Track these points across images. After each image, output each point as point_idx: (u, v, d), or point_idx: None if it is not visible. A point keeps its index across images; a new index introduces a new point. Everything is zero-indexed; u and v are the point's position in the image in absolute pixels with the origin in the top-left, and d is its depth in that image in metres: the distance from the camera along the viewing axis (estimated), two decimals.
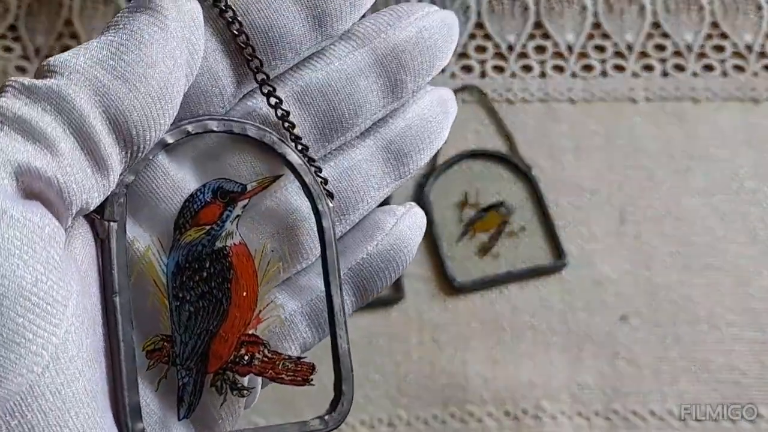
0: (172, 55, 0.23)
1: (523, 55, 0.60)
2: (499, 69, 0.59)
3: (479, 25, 0.60)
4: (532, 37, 0.60)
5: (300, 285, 0.29)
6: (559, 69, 0.59)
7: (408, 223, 0.29)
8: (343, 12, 0.28)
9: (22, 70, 0.58)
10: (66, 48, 0.58)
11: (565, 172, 0.56)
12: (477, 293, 0.53)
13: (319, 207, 0.28)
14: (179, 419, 0.26)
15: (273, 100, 0.27)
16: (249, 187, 0.27)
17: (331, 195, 0.28)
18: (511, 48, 0.60)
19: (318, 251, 0.28)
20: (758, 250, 0.54)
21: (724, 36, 0.60)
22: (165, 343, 0.26)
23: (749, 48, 0.59)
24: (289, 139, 0.28)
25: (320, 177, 0.28)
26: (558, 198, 0.55)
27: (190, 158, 0.27)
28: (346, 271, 0.29)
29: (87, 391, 0.22)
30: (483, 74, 0.59)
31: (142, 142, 0.23)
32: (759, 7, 0.60)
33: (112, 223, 0.25)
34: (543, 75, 0.59)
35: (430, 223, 0.54)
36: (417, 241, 0.30)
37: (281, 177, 0.27)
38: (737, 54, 0.59)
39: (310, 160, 0.28)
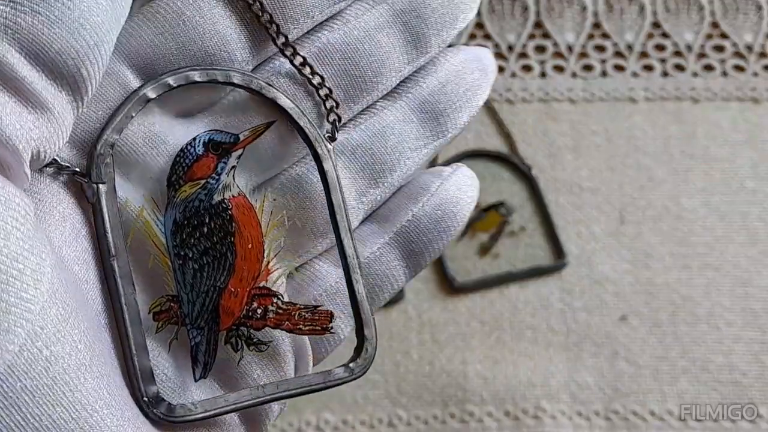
0: None
1: (523, 55, 0.60)
2: (499, 69, 0.59)
3: (479, 25, 0.60)
4: (532, 37, 0.60)
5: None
6: (559, 69, 0.59)
7: (456, 182, 0.29)
8: None
9: None
10: None
11: (565, 172, 0.56)
12: (477, 293, 0.53)
13: (318, 150, 0.27)
14: (195, 380, 0.25)
15: (298, 60, 0.27)
16: (241, 137, 0.26)
17: (332, 138, 0.27)
18: (511, 48, 0.60)
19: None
20: (758, 250, 0.54)
21: (724, 36, 0.60)
22: (172, 304, 0.25)
23: (749, 48, 0.59)
24: (319, 95, 0.27)
25: (332, 99, 0.27)
26: (558, 198, 0.55)
27: (178, 112, 0.26)
28: (392, 234, 0.28)
29: (83, 364, 0.22)
30: None
31: (79, 75, 0.22)
32: (759, 7, 0.60)
33: (100, 185, 0.24)
34: (543, 75, 0.59)
35: None
36: (467, 201, 0.29)
37: (274, 122, 0.27)
38: (737, 54, 0.59)
39: (336, 105, 0.27)
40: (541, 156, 0.56)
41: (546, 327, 0.52)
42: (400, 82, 0.29)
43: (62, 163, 0.24)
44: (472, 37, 0.60)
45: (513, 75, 0.59)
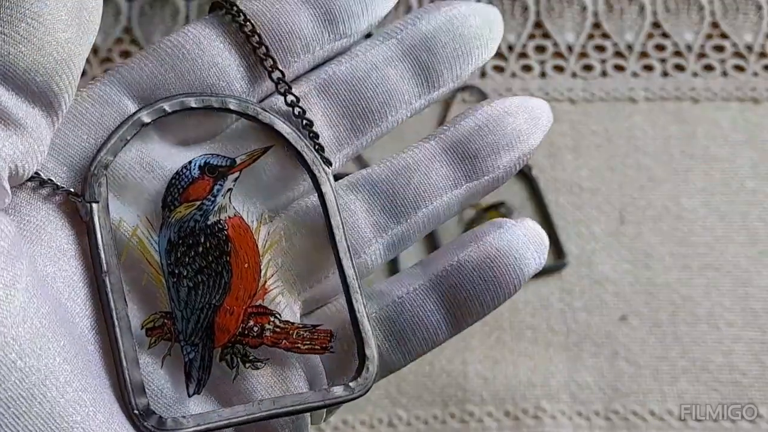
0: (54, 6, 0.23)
1: (523, 55, 0.60)
2: (499, 69, 0.59)
3: None
4: (532, 37, 0.60)
5: (370, 291, 0.27)
6: (559, 69, 0.59)
7: (515, 234, 0.27)
8: (354, 10, 0.28)
9: None
10: None
11: (565, 172, 0.56)
12: None
13: (316, 173, 0.27)
14: (189, 395, 0.25)
15: (290, 98, 0.27)
16: (238, 160, 0.27)
17: (328, 162, 0.27)
18: (511, 48, 0.60)
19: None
20: (758, 250, 0.54)
21: (724, 36, 0.60)
22: (165, 320, 0.25)
23: (749, 48, 0.60)
24: (308, 138, 0.27)
25: (316, 143, 0.27)
26: (558, 198, 0.55)
27: (177, 142, 0.27)
28: (431, 277, 0.27)
29: (62, 378, 0.22)
30: (483, 74, 0.59)
31: (50, 91, 0.23)
32: (759, 7, 0.60)
33: (93, 204, 0.25)
34: (543, 75, 0.59)
35: None
36: (529, 259, 0.27)
37: (271, 147, 0.27)
38: (737, 54, 0.59)
39: (320, 149, 0.27)
40: (541, 156, 0.56)
41: (546, 327, 0.52)
42: (441, 129, 0.28)
43: (57, 183, 0.25)
44: None
45: (513, 75, 0.59)
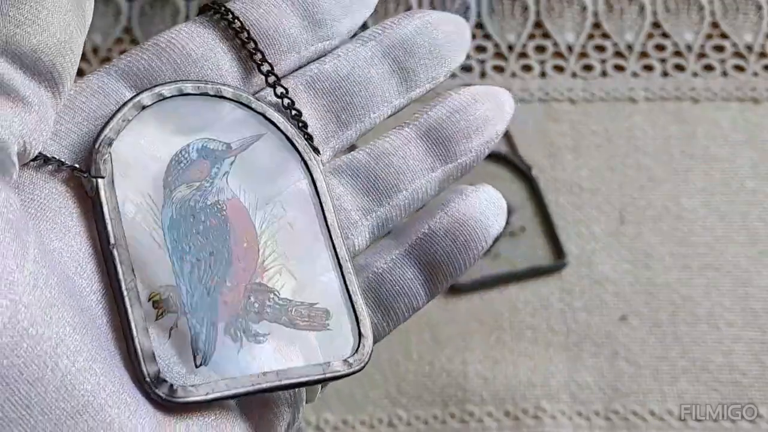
0: None
1: (523, 54, 0.60)
2: (499, 69, 0.59)
3: (479, 25, 0.60)
4: (532, 37, 0.60)
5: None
6: (559, 69, 0.59)
7: (477, 198, 0.29)
8: (335, 13, 0.30)
9: None
10: None
11: (565, 172, 0.56)
12: (477, 293, 0.53)
13: (306, 159, 0.28)
14: (196, 365, 0.25)
15: (279, 90, 0.28)
16: (233, 146, 0.28)
17: (317, 150, 0.29)
18: (511, 48, 0.60)
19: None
20: (758, 250, 0.54)
21: (724, 36, 0.60)
22: (171, 294, 0.26)
23: (749, 48, 0.60)
24: (298, 127, 0.29)
25: (306, 132, 0.28)
26: (558, 198, 0.55)
27: (172, 120, 0.28)
28: (407, 246, 0.29)
29: (73, 346, 0.22)
30: (483, 74, 0.59)
31: (54, 70, 0.24)
32: (759, 7, 0.60)
33: (99, 180, 0.26)
34: (543, 75, 0.59)
35: None
36: (492, 220, 0.29)
37: (264, 135, 0.28)
38: (737, 54, 0.59)
39: (309, 138, 0.28)
40: (541, 156, 0.56)
41: (546, 327, 0.52)
42: (412, 114, 0.30)
43: (61, 160, 0.26)
44: (473, 37, 0.60)
45: (513, 75, 0.59)
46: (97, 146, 0.26)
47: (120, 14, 0.58)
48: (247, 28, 0.28)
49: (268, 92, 0.29)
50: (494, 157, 0.56)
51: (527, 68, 0.59)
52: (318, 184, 0.28)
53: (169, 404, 0.24)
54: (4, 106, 0.23)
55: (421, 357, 0.51)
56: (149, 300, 0.25)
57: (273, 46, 0.29)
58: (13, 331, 0.21)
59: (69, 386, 0.22)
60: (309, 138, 0.29)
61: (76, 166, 0.26)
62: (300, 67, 0.30)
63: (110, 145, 0.26)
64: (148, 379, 0.24)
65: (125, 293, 0.25)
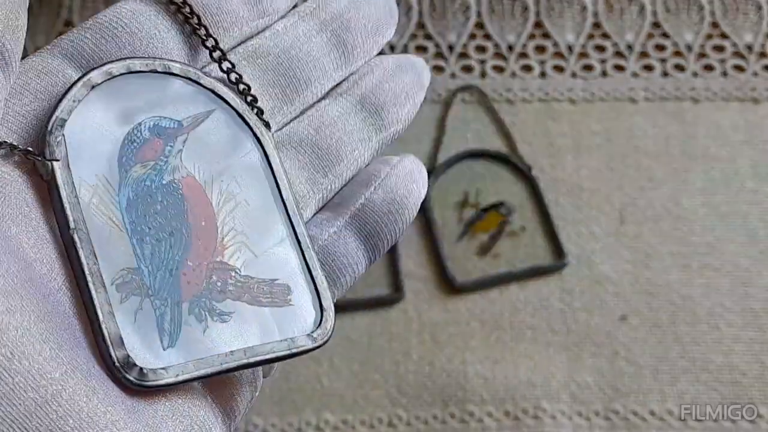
0: None
1: (523, 55, 0.60)
2: (499, 69, 0.59)
3: (479, 25, 0.60)
4: (532, 37, 0.60)
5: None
6: (559, 69, 0.59)
7: (403, 169, 0.30)
8: None
9: None
10: None
11: (565, 172, 0.56)
12: (477, 293, 0.53)
13: (258, 134, 0.28)
14: (164, 348, 0.25)
15: (225, 65, 0.28)
16: (185, 123, 0.27)
17: (267, 125, 0.29)
18: (511, 48, 0.60)
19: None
20: (758, 250, 0.54)
21: (724, 36, 0.60)
22: (133, 276, 0.25)
23: (749, 48, 0.60)
24: (245, 101, 0.28)
25: (256, 107, 0.28)
26: (558, 198, 0.55)
27: (122, 99, 0.27)
28: (347, 218, 0.29)
29: (38, 335, 0.22)
30: (483, 74, 0.59)
31: (3, 48, 0.23)
32: (759, 7, 0.60)
33: (54, 162, 0.25)
34: (543, 75, 0.59)
35: (430, 222, 0.54)
36: (418, 187, 0.30)
37: (213, 111, 0.28)
38: (737, 54, 0.59)
39: (260, 112, 0.28)
40: (541, 156, 0.56)
41: (546, 327, 0.52)
42: (338, 84, 0.31)
43: (13, 143, 0.25)
44: (473, 37, 0.60)
45: (513, 75, 0.59)
46: (49, 128, 0.25)
47: (62, 7, 0.58)
48: (189, 3, 0.28)
49: (214, 68, 0.29)
50: (494, 157, 0.56)
51: (527, 68, 0.59)
52: (271, 159, 0.28)
53: (139, 388, 0.24)
54: None
55: (421, 357, 0.51)
56: (112, 284, 0.25)
57: (216, 22, 0.29)
58: None
59: (37, 376, 0.21)
60: (260, 112, 0.29)
61: (30, 149, 0.25)
62: (241, 43, 0.30)
63: (63, 126, 0.25)
64: (117, 364, 0.24)
65: (89, 278, 0.24)
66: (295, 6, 0.31)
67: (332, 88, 0.31)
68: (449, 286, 0.53)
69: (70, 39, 0.27)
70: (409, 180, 0.30)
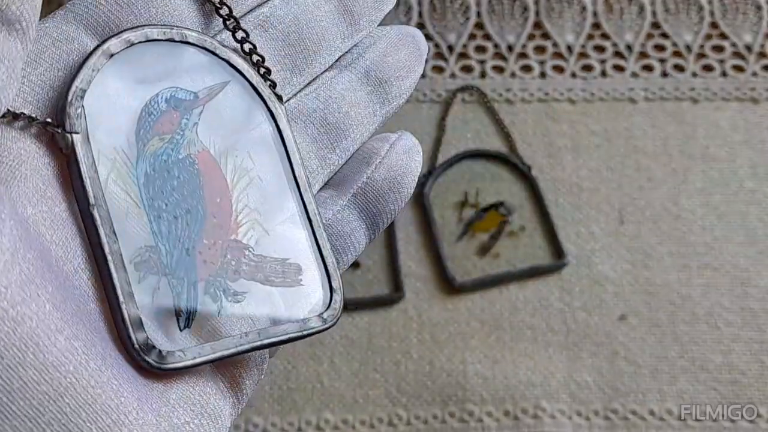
0: None
1: (522, 55, 0.60)
2: (498, 69, 0.59)
3: (479, 25, 0.60)
4: (531, 37, 0.60)
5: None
6: (558, 69, 0.59)
7: (403, 146, 0.30)
8: None
9: None
10: None
11: (565, 172, 0.56)
12: (477, 293, 0.53)
13: (272, 108, 0.28)
14: (180, 330, 0.25)
15: (240, 35, 0.28)
16: (200, 95, 0.27)
17: (280, 98, 0.28)
18: (510, 48, 0.60)
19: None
20: (757, 250, 0.54)
21: (723, 36, 0.60)
22: (151, 254, 0.25)
23: (749, 48, 0.60)
24: (259, 73, 0.28)
25: (269, 80, 0.28)
26: (557, 198, 0.55)
27: (140, 68, 0.27)
28: (350, 196, 0.29)
29: (53, 324, 0.21)
30: (483, 74, 0.59)
31: (21, 16, 0.22)
32: (758, 7, 0.61)
33: (74, 135, 0.24)
34: (543, 75, 0.59)
35: (430, 222, 0.54)
36: (415, 164, 0.30)
37: (228, 83, 0.27)
38: (737, 54, 0.59)
39: (272, 85, 0.28)
40: (540, 156, 0.57)
41: (545, 327, 0.52)
42: (342, 55, 0.31)
43: (32, 115, 0.24)
44: (472, 37, 0.60)
45: (513, 75, 0.59)
46: (70, 99, 0.24)
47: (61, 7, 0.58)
48: None
49: (227, 36, 0.28)
50: (494, 157, 0.57)
51: (527, 68, 0.59)
52: (284, 134, 0.28)
53: (157, 371, 0.24)
54: None
55: (421, 357, 0.51)
56: (131, 262, 0.24)
57: None
58: None
59: (50, 368, 0.21)
60: (273, 84, 0.28)
61: (49, 120, 0.24)
62: (252, 10, 0.29)
63: (83, 97, 0.24)
64: (137, 346, 0.23)
65: (109, 257, 0.24)
66: None
67: (338, 59, 0.31)
68: (449, 285, 0.53)
69: (85, 4, 0.26)
70: (408, 158, 0.30)
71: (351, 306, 0.52)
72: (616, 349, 0.52)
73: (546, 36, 0.60)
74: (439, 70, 0.59)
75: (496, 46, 0.60)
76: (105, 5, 0.26)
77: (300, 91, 0.29)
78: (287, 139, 0.28)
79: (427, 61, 0.32)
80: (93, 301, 0.24)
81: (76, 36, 0.26)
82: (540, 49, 0.60)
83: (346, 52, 0.31)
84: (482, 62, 0.59)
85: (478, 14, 0.61)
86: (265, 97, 0.28)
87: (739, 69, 0.59)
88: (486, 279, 0.53)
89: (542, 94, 0.58)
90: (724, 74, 0.59)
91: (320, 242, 0.27)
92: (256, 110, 0.28)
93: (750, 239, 0.54)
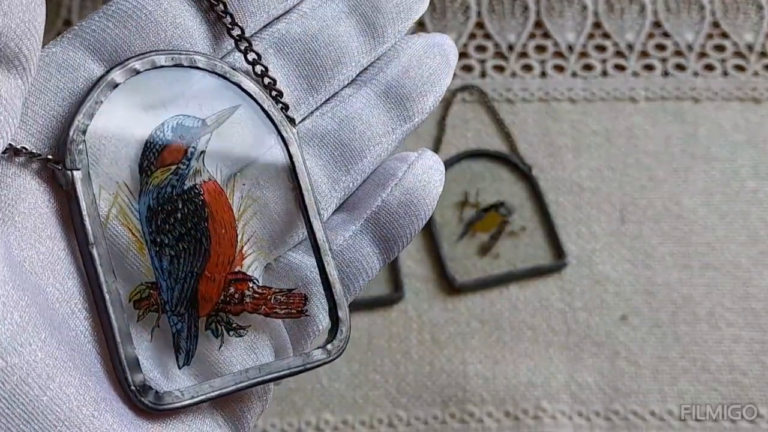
0: None
1: (523, 54, 0.60)
2: (499, 68, 0.59)
3: (479, 25, 0.60)
4: (532, 36, 0.60)
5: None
6: (559, 68, 0.59)
7: (422, 167, 0.29)
8: None
9: None
10: None
11: (566, 172, 0.56)
12: (477, 293, 0.53)
13: (283, 133, 0.27)
14: (179, 367, 0.25)
15: (251, 56, 0.27)
16: (208, 122, 0.26)
17: (292, 121, 0.27)
18: (511, 47, 0.60)
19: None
20: (758, 250, 0.54)
21: (724, 35, 0.60)
22: (151, 291, 0.25)
23: (750, 47, 0.59)
24: (270, 95, 0.27)
25: (281, 102, 0.27)
26: (558, 197, 0.55)
27: (146, 96, 0.26)
28: (362, 221, 0.28)
29: (44, 373, 0.21)
30: (483, 74, 0.59)
31: (21, 55, 0.22)
32: (760, 7, 0.60)
33: (74, 172, 0.24)
34: (543, 74, 0.59)
35: (430, 222, 0.54)
36: (435, 185, 0.29)
37: (239, 107, 0.27)
38: (738, 53, 0.59)
39: (284, 108, 0.27)
40: (541, 156, 0.56)
41: (546, 327, 0.52)
42: (364, 69, 0.29)
43: (33, 151, 0.24)
44: (473, 37, 0.60)
45: (513, 75, 0.59)
46: (71, 135, 0.24)
47: (61, 7, 0.58)
48: None
49: (238, 57, 0.27)
50: (494, 157, 0.56)
51: (527, 68, 0.59)
52: (295, 160, 0.27)
53: (154, 412, 0.24)
54: None
55: (421, 357, 0.51)
56: (129, 300, 0.24)
57: (242, 7, 0.27)
58: None
59: (40, 416, 0.21)
60: (284, 107, 0.27)
61: (50, 157, 0.24)
62: (267, 26, 0.28)
63: (84, 132, 0.24)
64: (133, 388, 0.23)
65: (107, 297, 0.24)
66: None
67: (359, 74, 0.29)
68: (449, 285, 0.53)
69: (92, 28, 0.25)
70: (426, 179, 0.29)
71: (350, 306, 0.52)
72: (617, 350, 0.51)
73: (547, 35, 0.60)
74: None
75: (496, 45, 0.60)
76: (111, 29, 0.26)
77: (316, 109, 0.28)
78: (298, 165, 0.27)
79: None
80: (90, 342, 0.23)
81: (82, 62, 0.25)
82: (540, 49, 0.60)
83: (369, 65, 0.29)
84: (482, 62, 0.59)
85: (479, 14, 0.60)
86: (277, 122, 0.27)
87: (740, 68, 0.59)
88: (486, 279, 0.53)
89: (543, 93, 0.58)
90: (725, 74, 0.59)
91: (328, 271, 0.27)
92: (266, 135, 0.27)
93: (751, 239, 0.54)
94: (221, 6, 0.27)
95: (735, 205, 0.55)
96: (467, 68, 0.59)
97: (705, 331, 0.52)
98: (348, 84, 0.29)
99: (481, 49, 0.60)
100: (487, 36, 0.60)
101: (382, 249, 0.28)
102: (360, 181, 0.29)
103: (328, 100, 0.29)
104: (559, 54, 0.60)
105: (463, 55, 0.59)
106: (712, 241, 0.54)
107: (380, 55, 0.29)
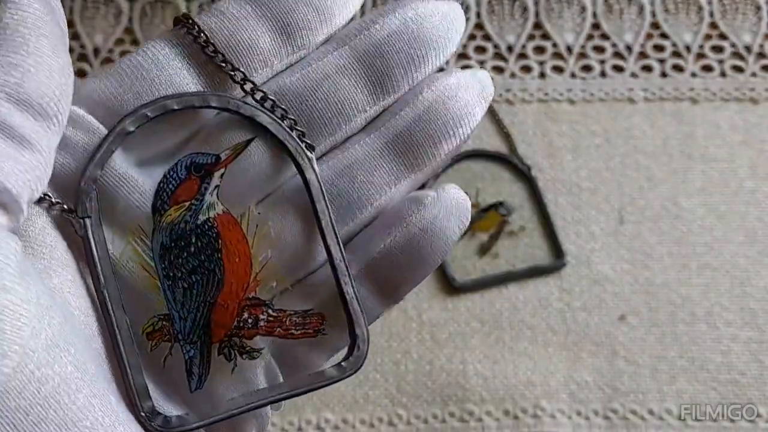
0: (42, 31, 0.24)
1: (522, 55, 0.60)
2: (498, 69, 0.59)
3: (479, 26, 0.60)
4: (531, 37, 0.60)
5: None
6: (558, 69, 0.59)
7: (438, 209, 0.27)
8: (312, 22, 0.27)
9: None
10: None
11: (565, 172, 0.56)
12: (477, 293, 0.53)
13: (299, 161, 0.27)
14: (191, 391, 0.26)
15: (258, 95, 0.27)
16: (223, 156, 0.27)
17: (311, 147, 0.27)
18: (510, 48, 0.60)
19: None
20: (757, 250, 0.54)
21: (723, 36, 0.60)
22: (164, 323, 0.26)
23: (748, 48, 0.60)
24: (284, 125, 0.27)
25: (297, 129, 0.27)
26: (557, 198, 0.55)
27: (158, 140, 0.27)
28: (362, 266, 0.27)
29: (74, 384, 0.23)
30: None
31: (59, 113, 0.24)
32: (758, 8, 0.61)
33: (86, 219, 0.26)
34: (542, 75, 0.59)
35: None
36: (452, 230, 0.27)
37: (254, 139, 0.27)
38: (736, 54, 0.60)
39: (301, 135, 0.27)
40: (540, 156, 0.57)
41: (545, 326, 0.52)
42: (377, 116, 0.28)
43: (53, 200, 0.26)
44: (472, 37, 0.60)
45: (512, 75, 0.59)
46: (82, 185, 0.26)
47: (121, 14, 0.58)
48: (212, 42, 0.27)
49: (247, 100, 0.27)
50: (494, 157, 0.57)
51: (526, 69, 0.59)
52: (311, 186, 0.27)
53: None
54: (19, 157, 0.23)
55: (421, 356, 0.51)
56: (143, 333, 0.26)
57: (245, 63, 0.27)
58: (21, 375, 0.22)
59: (70, 424, 0.22)
60: (301, 134, 0.27)
61: (65, 207, 0.26)
62: (270, 78, 0.28)
63: (95, 182, 0.26)
64: (143, 414, 0.25)
65: (116, 332, 0.25)
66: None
67: (369, 122, 0.28)
68: (449, 285, 0.53)
69: (92, 88, 0.27)
70: (439, 225, 0.27)
71: None
72: (615, 349, 0.52)
73: (546, 36, 0.60)
74: (438, 70, 0.59)
75: (495, 46, 0.60)
76: (108, 88, 0.27)
77: (320, 157, 0.28)
78: (314, 190, 0.27)
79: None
80: (106, 364, 0.25)
81: (83, 118, 0.26)
82: (540, 50, 0.60)
83: (382, 112, 0.28)
84: (482, 62, 0.59)
85: (478, 14, 0.61)
86: (292, 150, 0.27)
87: (738, 69, 0.59)
88: (486, 279, 0.53)
89: (542, 94, 0.58)
90: (723, 74, 0.59)
91: (345, 289, 0.27)
92: (281, 164, 0.27)
93: (749, 239, 0.54)
94: (220, 57, 0.27)
95: (733, 205, 0.55)
96: (467, 69, 0.59)
97: (703, 331, 0.52)
98: (356, 133, 0.28)
99: (480, 49, 0.60)
100: (487, 37, 0.60)
101: (384, 294, 0.28)
102: (361, 227, 0.28)
103: (332, 149, 0.28)
104: (558, 55, 0.60)
105: (462, 55, 0.60)
106: (711, 241, 0.54)
107: (390, 104, 0.28)
